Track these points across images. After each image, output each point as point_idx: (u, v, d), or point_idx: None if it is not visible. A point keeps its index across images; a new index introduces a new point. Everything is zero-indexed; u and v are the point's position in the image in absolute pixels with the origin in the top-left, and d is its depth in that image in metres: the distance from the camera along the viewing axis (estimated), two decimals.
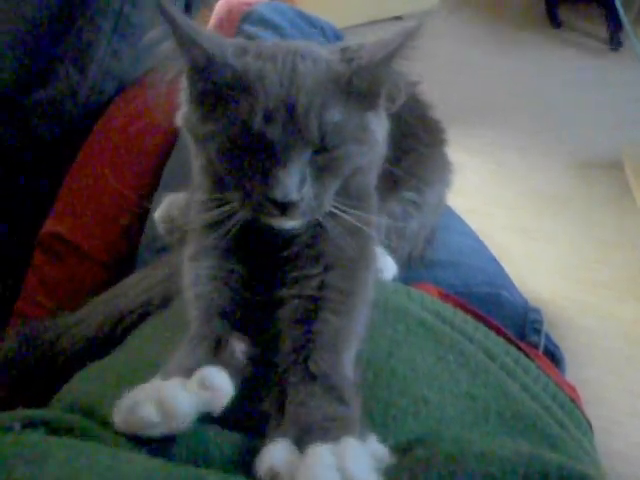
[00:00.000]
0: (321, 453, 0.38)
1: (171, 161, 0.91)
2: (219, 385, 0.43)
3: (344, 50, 0.54)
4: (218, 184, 0.55)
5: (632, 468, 1.16)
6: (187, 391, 0.42)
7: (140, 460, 0.39)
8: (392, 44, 0.51)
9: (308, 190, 0.50)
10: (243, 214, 0.53)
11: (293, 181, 0.49)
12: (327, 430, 0.40)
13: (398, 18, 2.73)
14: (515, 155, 2.06)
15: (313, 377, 0.44)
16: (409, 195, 0.68)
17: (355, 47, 0.54)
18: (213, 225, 0.55)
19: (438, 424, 0.47)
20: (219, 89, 0.50)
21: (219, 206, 0.54)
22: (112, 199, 0.90)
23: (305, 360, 0.45)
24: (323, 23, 1.12)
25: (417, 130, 0.68)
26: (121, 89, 1.00)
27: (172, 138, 0.94)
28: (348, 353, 0.47)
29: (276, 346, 0.49)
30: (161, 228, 0.74)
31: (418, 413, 0.47)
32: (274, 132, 0.49)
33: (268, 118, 0.49)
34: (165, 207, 0.74)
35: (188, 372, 0.44)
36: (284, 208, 0.50)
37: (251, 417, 0.45)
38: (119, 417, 0.42)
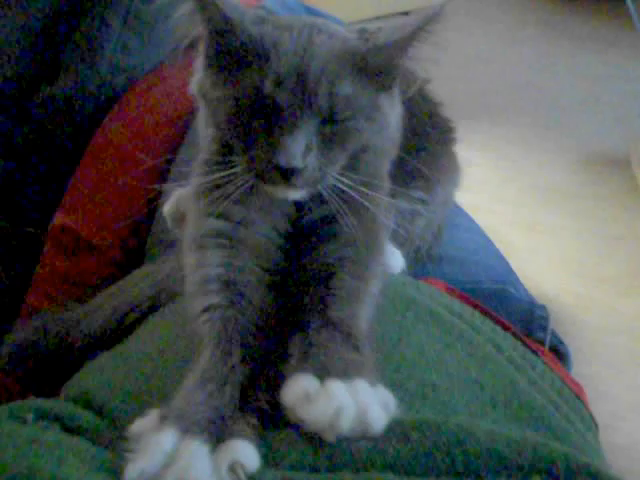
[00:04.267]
0: (338, 386, 0.41)
1: (180, 156, 0.91)
2: (249, 468, 0.40)
3: (362, 30, 0.55)
4: (225, 150, 0.55)
5: (635, 464, 1.16)
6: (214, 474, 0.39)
7: None
8: (410, 27, 0.51)
9: (313, 159, 0.50)
10: (246, 178, 0.52)
11: (298, 148, 0.49)
12: (342, 371, 0.43)
13: (405, 14, 2.72)
14: (521, 150, 2.05)
15: (333, 323, 0.47)
16: (417, 194, 0.68)
17: (373, 29, 0.54)
18: (213, 189, 0.55)
19: (446, 409, 0.48)
20: (234, 54, 0.51)
21: (222, 170, 0.54)
22: (121, 193, 0.90)
23: (324, 309, 0.48)
24: (332, 19, 1.12)
25: (427, 128, 0.69)
26: (130, 84, 1.00)
27: (182, 132, 0.94)
28: (364, 310, 0.50)
29: (293, 301, 0.51)
30: (170, 223, 0.74)
31: (426, 397, 0.48)
32: (283, 97, 0.49)
33: (279, 83, 0.49)
34: (174, 202, 0.74)
35: (212, 430, 0.41)
36: (287, 175, 0.50)
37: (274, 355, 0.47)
38: (133, 473, 0.38)
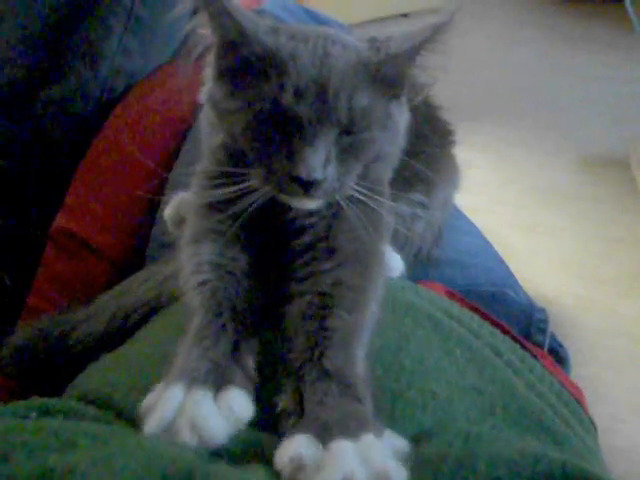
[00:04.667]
0: (345, 447, 0.40)
1: (180, 160, 0.92)
2: (246, 411, 0.44)
3: (372, 40, 0.55)
4: (238, 161, 0.55)
5: (635, 466, 1.15)
6: (219, 415, 0.43)
7: (163, 444, 0.40)
8: (420, 36, 0.52)
9: (332, 171, 0.51)
10: (263, 192, 0.53)
11: (318, 160, 0.49)
12: (346, 427, 0.41)
13: (405, 15, 2.73)
14: (521, 152, 2.06)
15: (329, 375, 0.45)
16: (417, 197, 0.68)
17: (383, 38, 0.55)
18: (224, 203, 0.55)
19: (445, 417, 0.48)
20: (249, 65, 0.51)
21: (236, 183, 0.53)
22: (122, 195, 0.91)
23: (320, 357, 0.46)
24: (332, 22, 1.12)
25: (426, 131, 0.69)
26: (132, 86, 1.01)
27: (183, 134, 0.95)
28: (360, 350, 0.48)
29: (287, 340, 0.50)
30: (170, 226, 0.74)
31: (426, 406, 0.48)
32: (303, 109, 0.49)
33: (298, 95, 0.49)
34: (174, 206, 0.74)
35: (212, 380, 0.44)
36: (307, 187, 0.50)
37: (265, 412, 0.46)
38: (150, 427, 0.42)
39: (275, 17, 1.05)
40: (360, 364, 0.47)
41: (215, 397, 0.44)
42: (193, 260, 0.54)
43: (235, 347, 0.48)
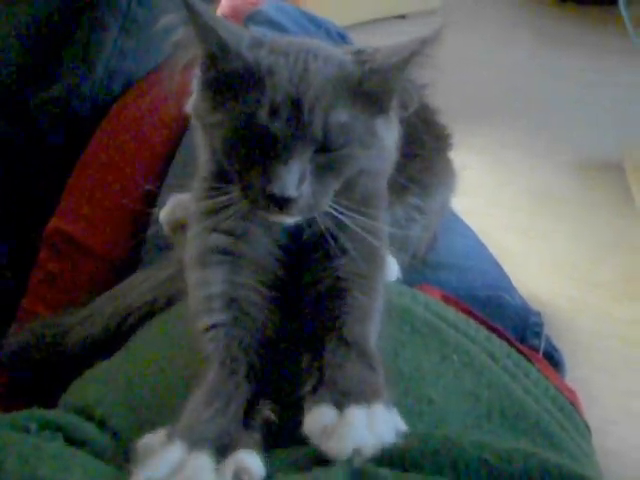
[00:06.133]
0: (357, 415, 0.42)
1: (176, 162, 0.91)
2: (255, 475, 0.41)
3: (358, 52, 0.54)
4: (221, 174, 0.55)
5: (628, 469, 1.16)
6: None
7: None
8: (407, 50, 0.51)
9: (307, 188, 0.50)
10: (241, 206, 0.53)
11: (293, 177, 0.49)
12: (361, 394, 0.44)
13: (402, 17, 2.73)
14: (516, 155, 2.06)
15: (347, 344, 0.48)
16: (413, 200, 0.68)
17: (370, 50, 0.54)
18: (212, 213, 0.55)
19: (441, 424, 0.48)
20: (230, 79, 0.51)
21: (219, 195, 0.54)
22: (118, 197, 0.90)
23: (340, 328, 0.49)
24: (328, 24, 1.12)
25: (422, 135, 0.69)
26: (127, 87, 1.00)
27: (179, 136, 0.94)
28: (374, 326, 0.51)
29: (306, 320, 0.52)
30: (166, 229, 0.74)
31: (422, 413, 0.48)
32: (278, 127, 0.49)
33: (273, 112, 0.49)
34: (170, 208, 0.74)
35: (217, 445, 0.42)
36: (281, 204, 0.50)
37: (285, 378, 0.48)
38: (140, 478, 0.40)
39: (270, 18, 1.06)
40: (374, 339, 0.50)
41: (220, 462, 0.41)
42: (202, 292, 0.53)
43: (248, 406, 0.46)
